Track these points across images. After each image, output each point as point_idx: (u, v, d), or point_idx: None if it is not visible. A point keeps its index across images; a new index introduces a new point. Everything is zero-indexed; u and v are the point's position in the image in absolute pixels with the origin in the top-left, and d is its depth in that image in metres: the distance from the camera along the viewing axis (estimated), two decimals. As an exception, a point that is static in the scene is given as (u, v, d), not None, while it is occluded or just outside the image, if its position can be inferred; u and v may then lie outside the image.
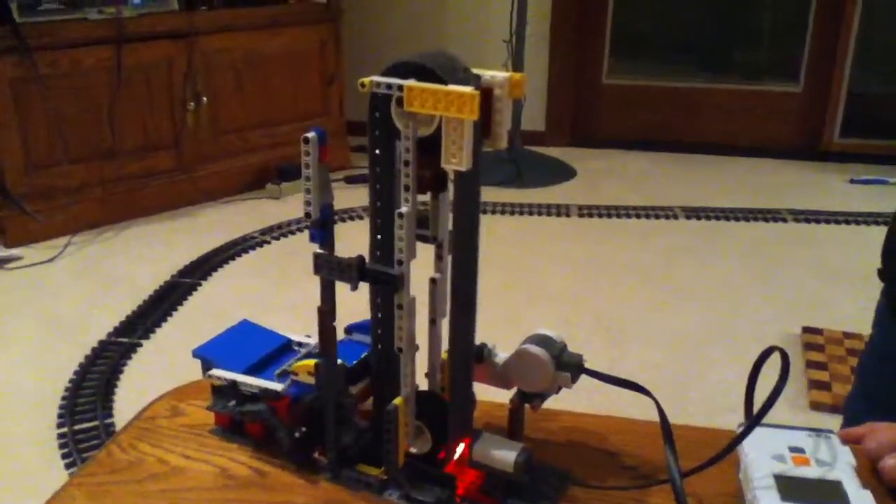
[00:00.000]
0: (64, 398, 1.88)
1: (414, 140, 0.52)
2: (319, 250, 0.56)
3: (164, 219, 2.95)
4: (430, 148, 0.52)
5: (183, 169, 3.04)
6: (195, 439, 0.66)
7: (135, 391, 1.92)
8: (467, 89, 0.48)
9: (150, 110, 2.92)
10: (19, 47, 2.54)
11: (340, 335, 0.62)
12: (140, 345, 2.11)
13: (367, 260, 0.55)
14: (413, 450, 0.59)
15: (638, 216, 3.01)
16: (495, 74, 0.52)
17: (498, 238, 2.80)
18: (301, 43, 3.27)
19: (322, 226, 0.56)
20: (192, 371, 0.68)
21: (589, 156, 3.68)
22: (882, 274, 0.96)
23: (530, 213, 3.04)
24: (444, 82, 0.50)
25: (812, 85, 3.63)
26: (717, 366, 2.00)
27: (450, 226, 0.56)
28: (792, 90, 3.69)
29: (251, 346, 0.67)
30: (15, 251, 2.64)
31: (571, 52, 3.78)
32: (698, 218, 2.99)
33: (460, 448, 0.57)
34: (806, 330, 2.13)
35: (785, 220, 2.96)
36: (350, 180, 3.27)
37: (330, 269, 0.56)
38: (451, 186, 0.55)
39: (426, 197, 0.56)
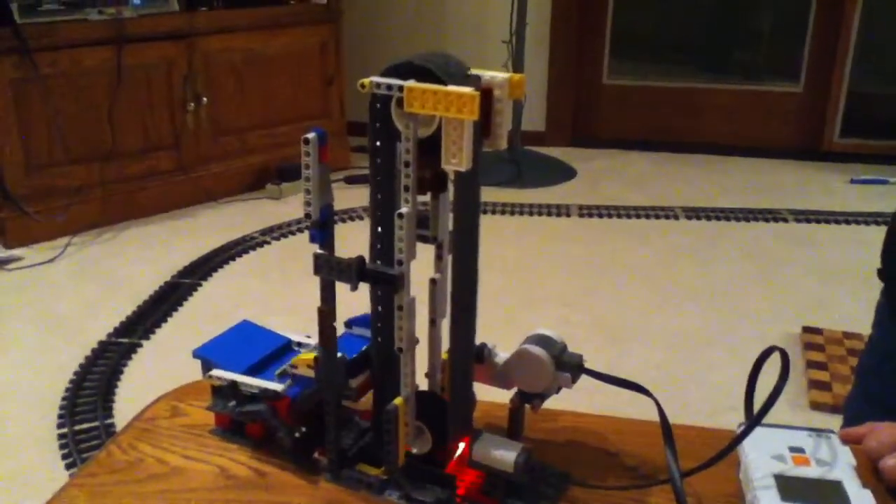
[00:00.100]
0: (64, 398, 1.88)
1: (414, 140, 0.52)
2: (319, 251, 0.56)
3: (164, 219, 2.96)
4: (430, 148, 0.52)
5: (183, 169, 3.04)
6: (195, 440, 0.66)
7: (135, 392, 1.92)
8: (467, 90, 0.48)
9: (150, 111, 2.92)
10: (20, 48, 2.54)
11: (340, 331, 0.62)
12: (140, 345, 2.11)
13: (367, 260, 0.55)
14: (413, 450, 0.59)
15: (638, 216, 3.00)
16: (495, 75, 0.52)
17: (498, 238, 2.79)
18: (301, 43, 3.27)
19: (322, 226, 0.56)
20: (192, 371, 0.68)
21: (589, 156, 3.68)
22: (882, 274, 0.96)
23: (530, 214, 3.04)
24: (444, 83, 0.50)
25: (812, 85, 3.63)
26: (718, 366, 2.00)
27: (450, 226, 0.56)
28: (792, 90, 3.69)
29: (251, 346, 0.67)
30: (15, 252, 2.64)
31: (571, 52, 3.78)
32: (698, 218, 2.99)
33: (460, 448, 0.57)
34: (806, 330, 2.13)
35: (785, 220, 2.96)
36: (350, 181, 3.27)
37: (330, 270, 0.56)
38: (451, 187, 0.55)
39: (426, 197, 0.56)
